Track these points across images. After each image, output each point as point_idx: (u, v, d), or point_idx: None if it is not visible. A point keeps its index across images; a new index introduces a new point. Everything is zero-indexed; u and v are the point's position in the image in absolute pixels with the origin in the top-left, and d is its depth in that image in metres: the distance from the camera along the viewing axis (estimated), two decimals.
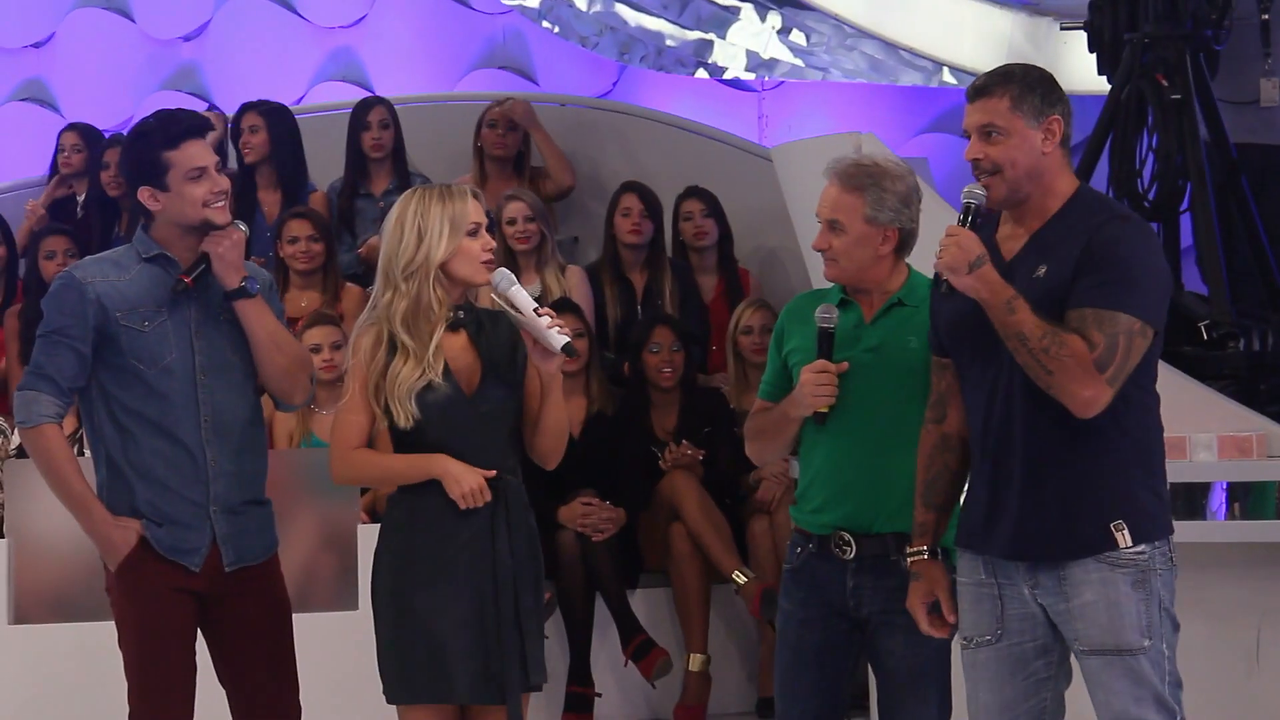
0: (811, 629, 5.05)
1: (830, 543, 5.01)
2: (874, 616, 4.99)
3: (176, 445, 5.19)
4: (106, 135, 10.27)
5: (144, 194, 5.21)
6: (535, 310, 5.04)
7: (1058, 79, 4.72)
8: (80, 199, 10.02)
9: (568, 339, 5.02)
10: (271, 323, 5.28)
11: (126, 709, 5.32)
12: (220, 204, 5.20)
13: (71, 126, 10.29)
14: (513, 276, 5.08)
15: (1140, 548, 4.57)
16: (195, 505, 5.21)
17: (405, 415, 5.00)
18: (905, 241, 5.03)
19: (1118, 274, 4.51)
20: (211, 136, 7.97)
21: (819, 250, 5.03)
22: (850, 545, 4.98)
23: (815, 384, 4.95)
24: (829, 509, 5.02)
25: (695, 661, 7.90)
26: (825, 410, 4.96)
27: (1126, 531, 4.56)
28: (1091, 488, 4.58)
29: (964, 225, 4.66)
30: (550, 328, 5.01)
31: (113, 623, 5.35)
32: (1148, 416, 4.64)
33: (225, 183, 5.25)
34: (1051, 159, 4.64)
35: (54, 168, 10.16)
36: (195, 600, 5.25)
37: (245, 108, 9.68)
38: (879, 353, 4.97)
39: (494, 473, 5.02)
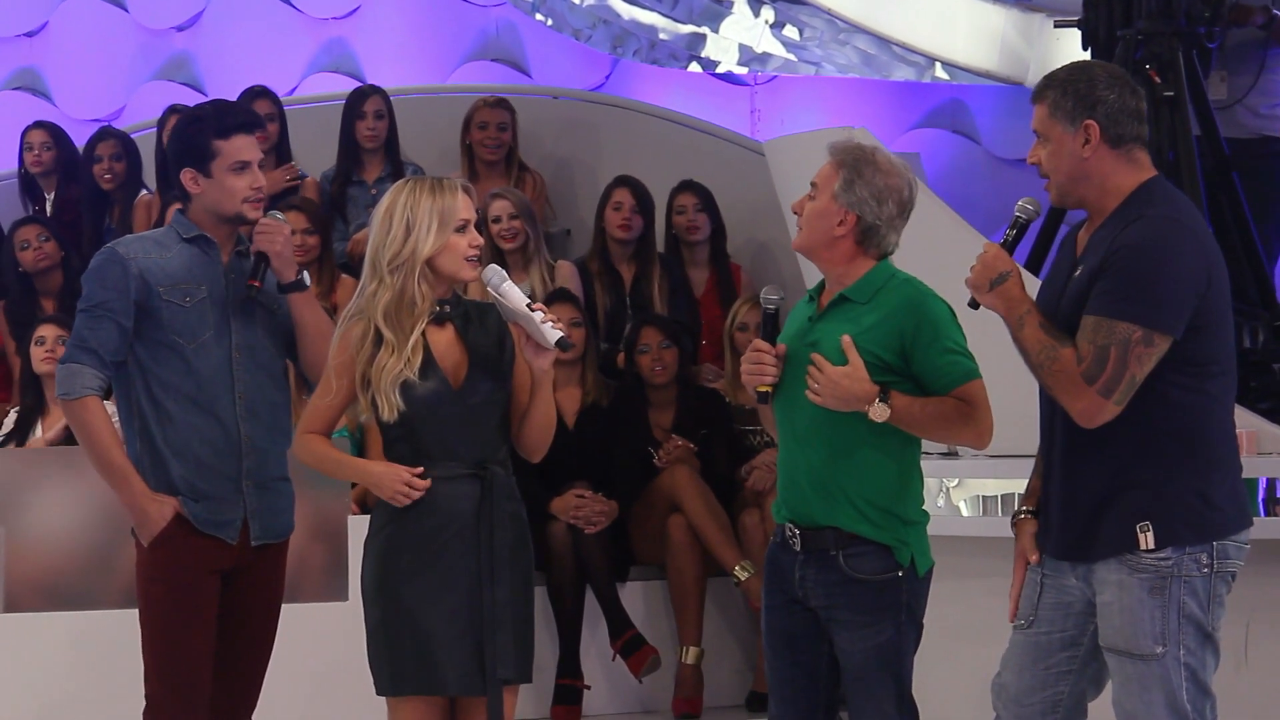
0: (778, 616, 5.03)
1: (784, 533, 5.03)
2: (820, 611, 4.96)
3: (212, 419, 5.29)
4: (97, 127, 10.26)
5: (186, 176, 5.35)
6: (529, 305, 5.03)
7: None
8: (50, 197, 9.96)
9: (562, 334, 5.01)
10: (320, 314, 5.46)
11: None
12: (257, 200, 5.34)
13: (38, 124, 10.15)
14: (504, 273, 5.06)
15: (1165, 552, 4.54)
16: (229, 479, 5.31)
17: (389, 408, 5.00)
18: (866, 235, 4.93)
19: (1122, 280, 4.50)
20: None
21: (794, 212, 5.02)
22: (796, 537, 4.97)
23: (747, 362, 4.97)
24: (782, 501, 5.02)
25: (690, 654, 7.91)
26: (765, 390, 4.96)
27: (1151, 534, 4.54)
28: (1121, 488, 4.58)
29: (1008, 237, 4.75)
30: (544, 323, 5.00)
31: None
32: (1198, 416, 4.61)
33: (264, 180, 5.40)
34: (1096, 161, 4.63)
35: (21, 164, 10.04)
36: (221, 582, 5.33)
37: (255, 94, 9.63)
38: (815, 348, 4.91)
39: (420, 469, 5.03)
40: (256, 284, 5.34)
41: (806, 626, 5.00)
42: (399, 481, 5.02)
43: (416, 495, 5.02)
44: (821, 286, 5.06)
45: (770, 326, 5.01)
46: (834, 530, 4.91)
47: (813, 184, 4.98)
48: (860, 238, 4.94)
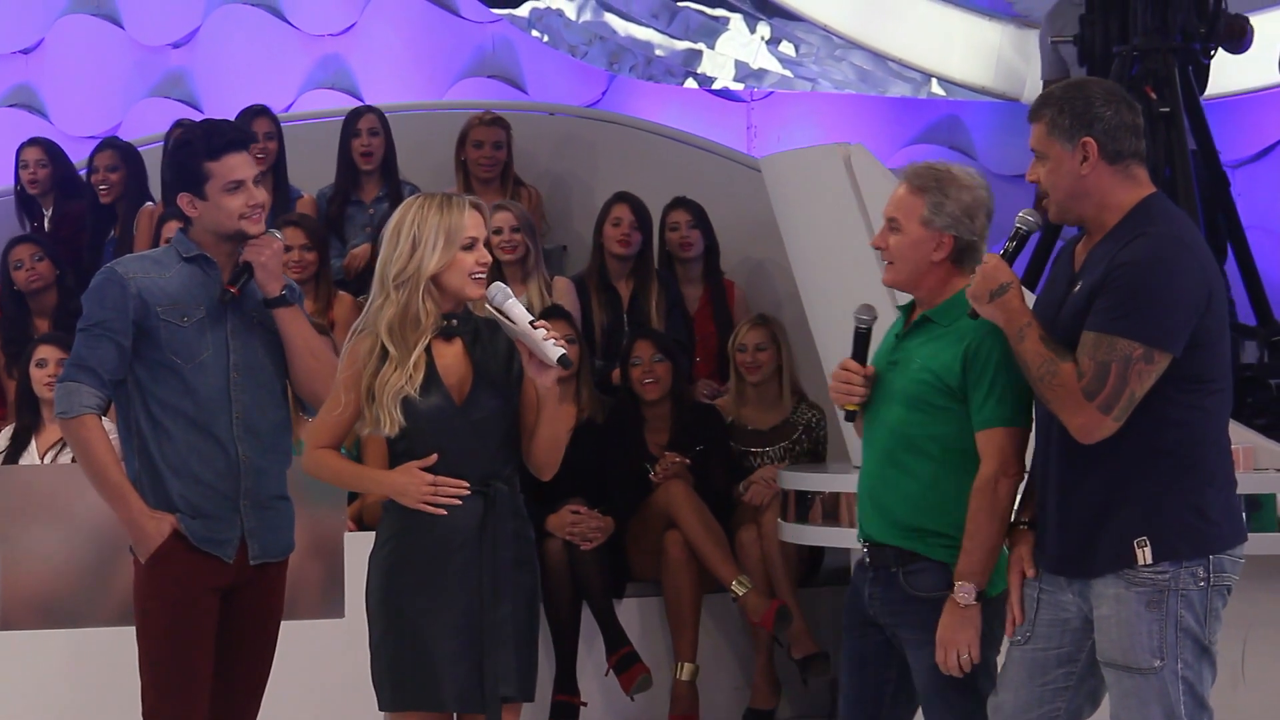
0: (850, 636, 5.06)
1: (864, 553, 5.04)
2: (886, 628, 4.98)
3: (210, 439, 5.30)
4: (96, 141, 10.25)
5: (183, 200, 5.37)
6: (531, 323, 5.03)
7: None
8: (48, 213, 9.94)
9: (564, 351, 5.02)
10: (308, 330, 5.44)
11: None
12: (256, 216, 5.35)
13: (34, 141, 10.11)
14: (508, 290, 5.07)
15: (1162, 566, 4.55)
16: (226, 498, 5.32)
17: (391, 422, 5.00)
18: (963, 252, 4.92)
19: (1123, 297, 4.50)
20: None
21: (877, 248, 4.99)
22: (867, 555, 4.99)
23: (836, 380, 4.98)
24: (861, 517, 5.05)
25: (685, 671, 7.89)
26: (853, 409, 4.98)
27: (1148, 549, 4.55)
28: (1117, 503, 4.58)
29: (1008, 249, 4.75)
30: (546, 340, 5.01)
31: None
32: (1194, 432, 4.60)
33: (262, 195, 5.41)
34: (1094, 178, 4.63)
35: (16, 182, 10.01)
36: (220, 600, 5.33)
37: (254, 113, 9.63)
38: (896, 367, 4.94)
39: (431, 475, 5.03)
40: (234, 290, 5.33)
41: (878, 647, 5.01)
42: (423, 484, 5.02)
43: (445, 496, 5.01)
44: (912, 304, 5.06)
45: (861, 346, 5.00)
46: (894, 549, 4.92)
47: (891, 217, 4.94)
48: (956, 257, 4.93)
